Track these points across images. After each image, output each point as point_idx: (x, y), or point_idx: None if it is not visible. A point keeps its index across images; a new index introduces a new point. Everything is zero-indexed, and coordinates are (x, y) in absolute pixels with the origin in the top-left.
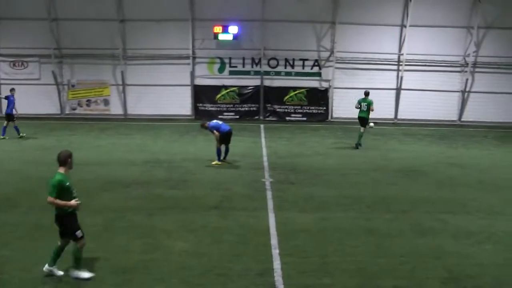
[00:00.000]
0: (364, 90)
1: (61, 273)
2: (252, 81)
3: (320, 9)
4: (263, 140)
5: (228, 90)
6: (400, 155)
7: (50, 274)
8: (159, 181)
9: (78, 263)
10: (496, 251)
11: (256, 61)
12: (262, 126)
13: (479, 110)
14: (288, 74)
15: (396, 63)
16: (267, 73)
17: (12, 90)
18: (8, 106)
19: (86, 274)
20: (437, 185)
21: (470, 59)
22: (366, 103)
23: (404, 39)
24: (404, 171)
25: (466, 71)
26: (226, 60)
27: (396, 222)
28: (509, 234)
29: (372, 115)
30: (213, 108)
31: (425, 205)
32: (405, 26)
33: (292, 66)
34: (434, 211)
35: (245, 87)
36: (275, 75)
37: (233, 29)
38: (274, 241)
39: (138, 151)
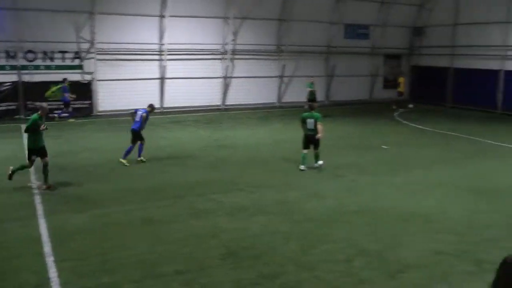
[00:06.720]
0: None
1: None
2: (8, 77)
3: None
4: (25, 141)
5: None
6: (169, 142)
7: None
8: None
9: None
10: (267, 221)
11: (12, 54)
12: (23, 126)
13: (241, 94)
14: (48, 67)
15: (158, 53)
16: (24, 67)
17: None
18: None
19: None
20: (209, 167)
21: (229, 47)
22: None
23: (164, 30)
24: (175, 157)
25: (226, 59)
26: None
27: (172, 208)
28: (276, 203)
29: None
30: None
31: (199, 188)
32: (164, 17)
33: (52, 59)
34: (208, 193)
35: (1, 83)
36: (34, 69)
37: None
38: (47, 248)
39: None
